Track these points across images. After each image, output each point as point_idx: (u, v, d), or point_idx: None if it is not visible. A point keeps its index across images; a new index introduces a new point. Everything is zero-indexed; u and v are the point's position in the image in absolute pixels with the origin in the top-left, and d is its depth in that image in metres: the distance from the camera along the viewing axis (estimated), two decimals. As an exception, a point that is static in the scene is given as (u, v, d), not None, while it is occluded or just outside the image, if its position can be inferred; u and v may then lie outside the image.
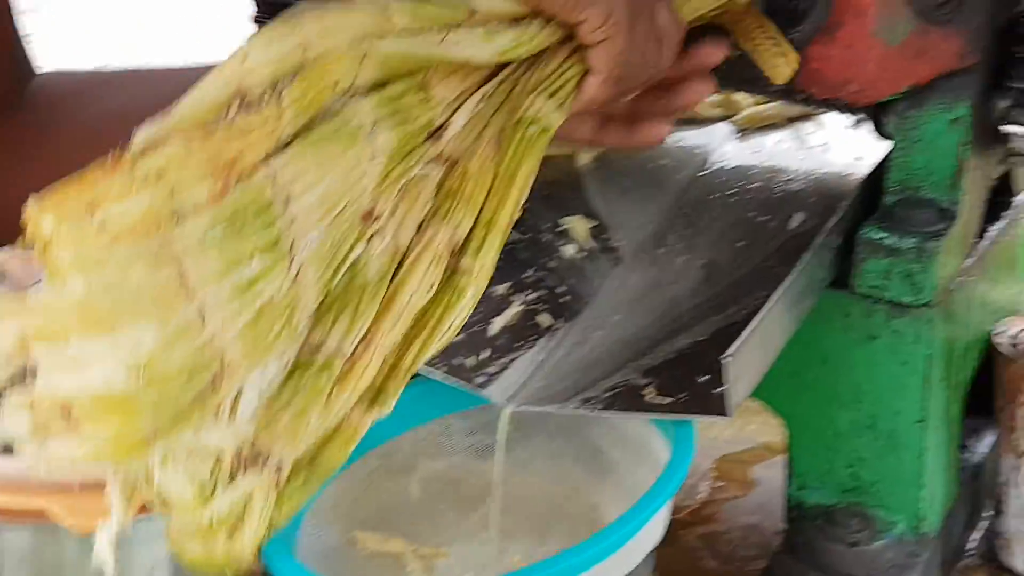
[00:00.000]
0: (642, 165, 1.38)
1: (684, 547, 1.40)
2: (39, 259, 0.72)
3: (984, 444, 1.41)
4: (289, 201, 0.79)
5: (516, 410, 1.17)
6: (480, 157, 0.93)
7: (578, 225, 1.31)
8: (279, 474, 0.79)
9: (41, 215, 0.71)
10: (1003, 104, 1.26)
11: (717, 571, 1.38)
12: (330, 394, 0.82)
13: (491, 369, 1.20)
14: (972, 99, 1.24)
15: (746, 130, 1.43)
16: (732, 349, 1.13)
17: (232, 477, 0.78)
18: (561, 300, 1.26)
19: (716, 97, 1.44)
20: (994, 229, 1.37)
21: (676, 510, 1.45)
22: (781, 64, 1.20)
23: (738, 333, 1.14)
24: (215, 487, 0.77)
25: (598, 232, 1.31)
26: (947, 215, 1.25)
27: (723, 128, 1.44)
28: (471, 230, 0.90)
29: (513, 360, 1.21)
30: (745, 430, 1.56)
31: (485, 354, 1.22)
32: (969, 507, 1.39)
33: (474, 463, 1.25)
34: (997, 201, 1.39)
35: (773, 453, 1.51)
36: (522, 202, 0.93)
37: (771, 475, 1.47)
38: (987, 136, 1.28)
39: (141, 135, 0.76)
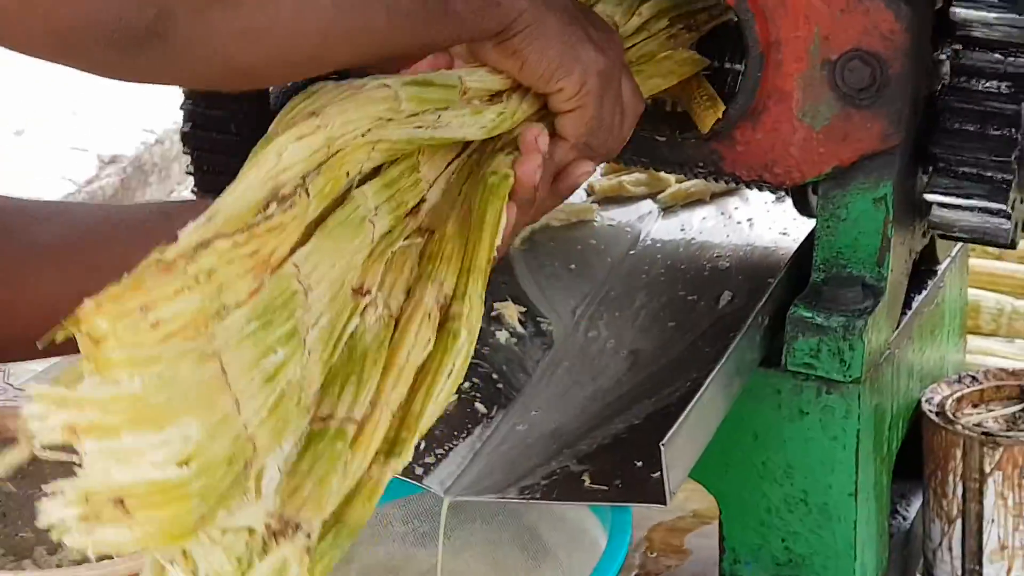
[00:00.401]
0: (571, 246, 1.41)
1: (623, 621, 1.42)
2: (88, 357, 0.74)
3: (913, 509, 1.44)
4: (308, 291, 0.84)
5: (451, 498, 1.18)
6: (455, 219, 0.99)
7: (509, 310, 1.32)
8: (309, 539, 0.83)
9: (95, 315, 0.74)
10: (925, 181, 1.30)
11: (655, 644, 1.40)
12: (347, 458, 0.86)
13: (429, 459, 1.22)
14: (895, 178, 1.27)
15: (672, 207, 1.46)
16: (668, 436, 1.15)
17: (266, 548, 0.81)
18: (495, 387, 1.27)
19: (641, 175, 1.46)
20: (920, 299, 1.40)
21: (613, 584, 1.47)
22: (710, 115, 1.26)
23: (673, 418, 1.17)
24: (251, 559, 0.81)
25: (529, 317, 1.33)
26: (874, 292, 1.28)
27: (649, 206, 1.46)
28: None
29: (450, 449, 1.23)
30: (677, 499, 1.58)
31: (422, 444, 1.22)
32: (900, 572, 1.42)
33: (412, 550, 1.26)
34: (922, 270, 1.43)
35: (707, 521, 1.52)
36: (495, 243, 0.98)
37: (705, 543, 1.48)
38: (910, 212, 1.31)
39: (187, 235, 0.79)
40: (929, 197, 1.30)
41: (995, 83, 1.27)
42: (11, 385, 1.28)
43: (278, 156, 0.88)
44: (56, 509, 0.76)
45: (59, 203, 1.18)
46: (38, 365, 1.57)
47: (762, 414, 1.29)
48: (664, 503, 1.15)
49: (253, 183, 0.86)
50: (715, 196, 1.46)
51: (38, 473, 1.25)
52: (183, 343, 0.77)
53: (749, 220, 1.44)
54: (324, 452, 0.86)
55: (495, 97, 1.05)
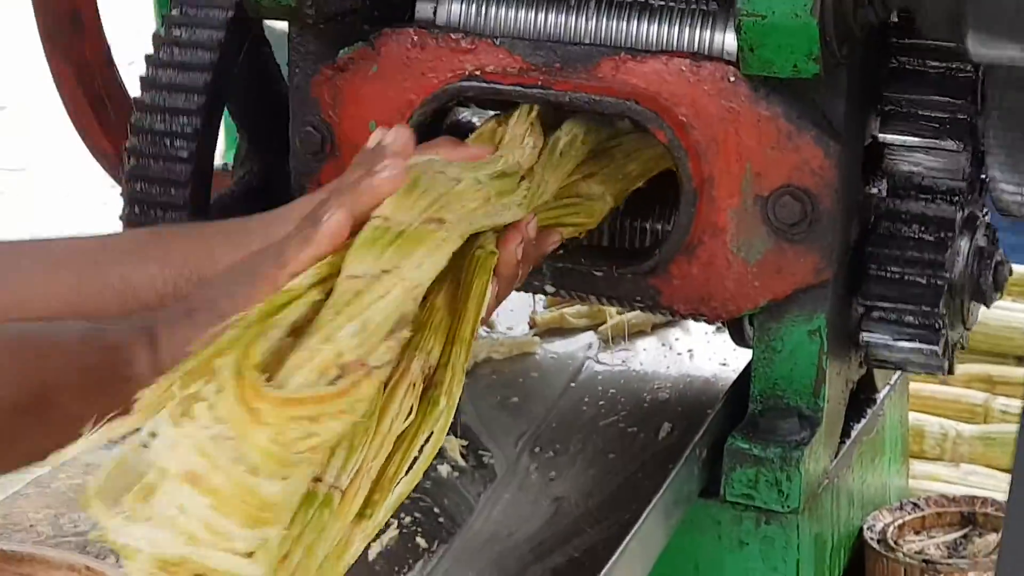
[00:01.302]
0: (514, 379, 1.43)
1: None
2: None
3: (859, 637, 1.46)
4: None
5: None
6: (444, 292, 1.02)
7: (451, 444, 1.34)
8: None
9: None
10: (859, 311, 1.33)
11: None
12: (331, 525, 0.90)
13: (370, 596, 1.23)
14: (829, 311, 1.30)
15: (613, 339, 1.48)
16: (605, 570, 1.16)
17: None
18: (437, 521, 1.28)
19: (583, 308, 1.49)
20: (859, 426, 1.42)
21: None
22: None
23: (612, 550, 1.18)
24: None
25: (471, 450, 1.35)
26: (811, 422, 1.31)
27: (591, 338, 1.49)
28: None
29: (392, 585, 1.24)
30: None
31: (363, 580, 1.24)
32: None
33: None
34: (861, 398, 1.45)
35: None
36: (480, 316, 1.02)
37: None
38: (845, 343, 1.34)
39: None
40: (863, 334, 1.33)
41: (922, 218, 1.30)
42: None
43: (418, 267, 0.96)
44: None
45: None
46: None
47: (703, 545, 1.31)
48: (602, 638, 1.17)
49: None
50: (656, 327, 1.48)
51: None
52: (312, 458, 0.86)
53: (689, 351, 1.46)
54: (313, 520, 0.89)
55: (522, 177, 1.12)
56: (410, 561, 1.26)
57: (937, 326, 1.30)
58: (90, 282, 1.22)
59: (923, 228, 1.31)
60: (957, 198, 1.30)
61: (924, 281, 1.30)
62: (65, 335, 1.10)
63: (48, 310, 1.22)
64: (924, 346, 1.31)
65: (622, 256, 1.32)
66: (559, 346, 1.48)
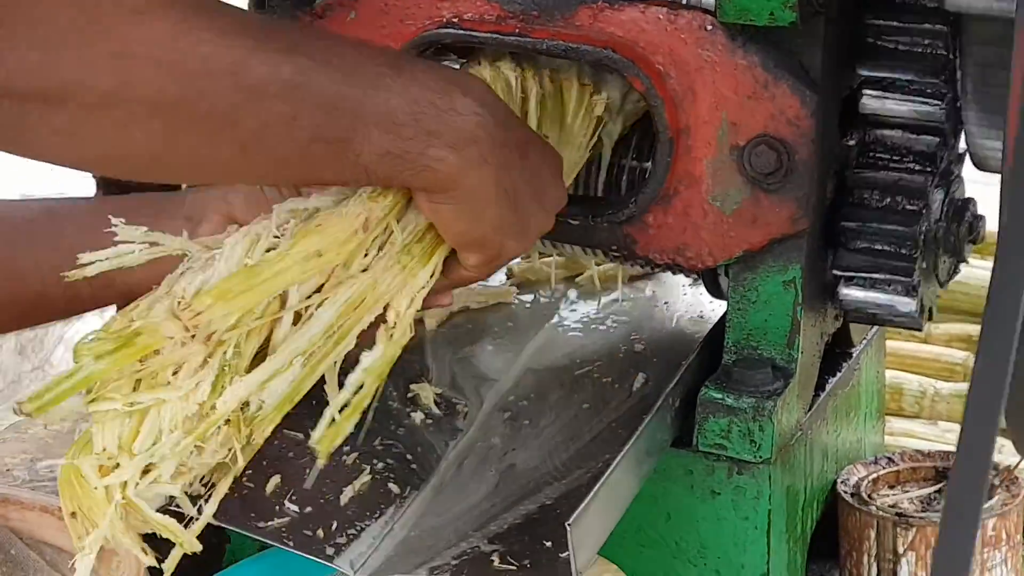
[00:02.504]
0: (488, 329, 1.43)
1: None
2: None
3: (831, 590, 1.46)
4: None
5: (363, 579, 1.20)
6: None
7: (425, 391, 1.34)
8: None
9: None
10: (835, 264, 1.33)
11: None
12: None
13: (340, 539, 1.23)
14: (804, 261, 1.30)
15: (589, 290, 1.48)
16: (575, 515, 1.17)
17: None
18: (409, 468, 1.29)
19: (560, 259, 1.49)
20: (834, 381, 1.43)
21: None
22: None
23: (583, 498, 1.19)
24: None
25: (444, 398, 1.35)
26: (784, 374, 1.31)
27: (567, 289, 1.48)
28: None
29: (362, 530, 1.24)
30: (601, 580, 1.59)
31: (334, 524, 1.24)
32: (818, 654, 1.44)
33: (327, 633, 1.26)
34: (836, 352, 1.45)
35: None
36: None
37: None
38: (821, 295, 1.34)
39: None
40: (838, 287, 1.33)
41: (898, 168, 1.30)
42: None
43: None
44: None
45: None
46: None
47: (675, 494, 1.31)
48: (571, 582, 1.17)
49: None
50: (632, 279, 1.48)
51: None
52: None
53: (665, 303, 1.46)
54: None
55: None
56: (382, 506, 1.26)
57: (911, 281, 1.30)
58: None
59: (898, 182, 1.31)
60: (933, 152, 1.30)
61: (898, 236, 1.30)
62: None
63: None
64: (898, 300, 1.32)
65: (597, 205, 1.32)
66: (535, 297, 1.48)
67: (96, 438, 1.01)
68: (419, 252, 1.09)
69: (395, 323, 1.07)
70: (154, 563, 1.05)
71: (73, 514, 1.01)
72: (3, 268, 1.21)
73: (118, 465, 1.01)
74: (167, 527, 1.04)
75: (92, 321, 2.36)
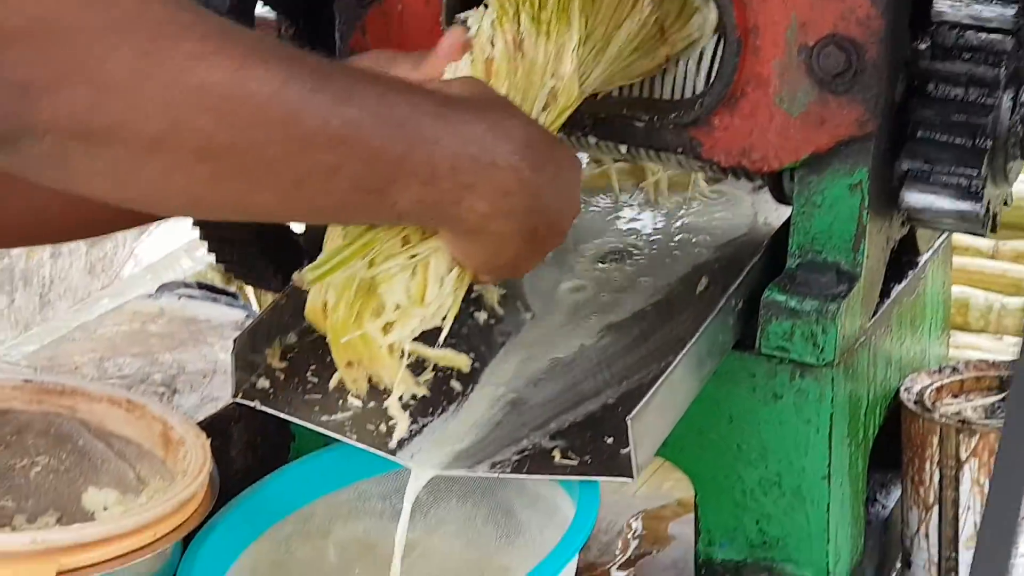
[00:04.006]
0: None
1: (600, 604, 1.44)
2: None
3: (893, 498, 1.45)
4: None
5: (425, 473, 1.20)
6: None
7: (489, 291, 1.34)
8: None
9: None
10: (902, 168, 1.31)
11: (632, 625, 1.42)
12: None
13: (403, 435, 1.23)
14: (871, 164, 1.28)
15: (654, 196, 1.48)
16: (635, 411, 1.17)
17: None
18: (472, 366, 1.28)
19: (625, 165, 1.48)
20: (899, 288, 1.42)
21: (592, 567, 1.48)
22: None
23: (643, 396, 1.18)
24: None
25: (508, 299, 1.35)
26: (848, 277, 1.30)
27: (632, 194, 1.48)
28: None
29: (424, 425, 1.24)
30: (662, 487, 1.60)
31: (395, 420, 1.24)
32: (878, 560, 1.43)
33: (389, 527, 1.27)
34: (903, 260, 1.44)
35: (690, 509, 1.53)
36: None
37: (687, 531, 1.48)
38: (887, 199, 1.32)
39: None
40: (904, 191, 1.31)
41: (968, 63, 1.28)
42: (-2, 358, 1.31)
43: None
44: None
45: None
46: (30, 344, 1.60)
47: (737, 397, 1.31)
48: (631, 477, 1.17)
49: None
50: (696, 185, 1.47)
51: (20, 443, 1.28)
52: None
53: (729, 208, 1.46)
54: None
55: None
56: (444, 403, 1.26)
57: (978, 185, 1.29)
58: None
59: (969, 76, 1.29)
60: (1003, 53, 1.28)
61: (966, 139, 1.28)
62: None
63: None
64: (963, 203, 1.30)
65: (663, 107, 1.31)
66: (599, 201, 1.47)
67: (387, 297, 1.13)
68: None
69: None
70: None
71: (349, 363, 1.17)
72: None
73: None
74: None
75: (160, 236, 2.39)
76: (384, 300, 1.14)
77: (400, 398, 1.25)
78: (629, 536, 1.53)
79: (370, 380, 1.19)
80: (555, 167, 1.13)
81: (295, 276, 1.12)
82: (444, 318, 1.16)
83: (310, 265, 1.11)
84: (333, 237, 1.15)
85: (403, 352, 1.16)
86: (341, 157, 1.01)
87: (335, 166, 1.01)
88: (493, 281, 1.21)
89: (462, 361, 1.24)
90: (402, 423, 1.23)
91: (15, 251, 2.67)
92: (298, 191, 1.01)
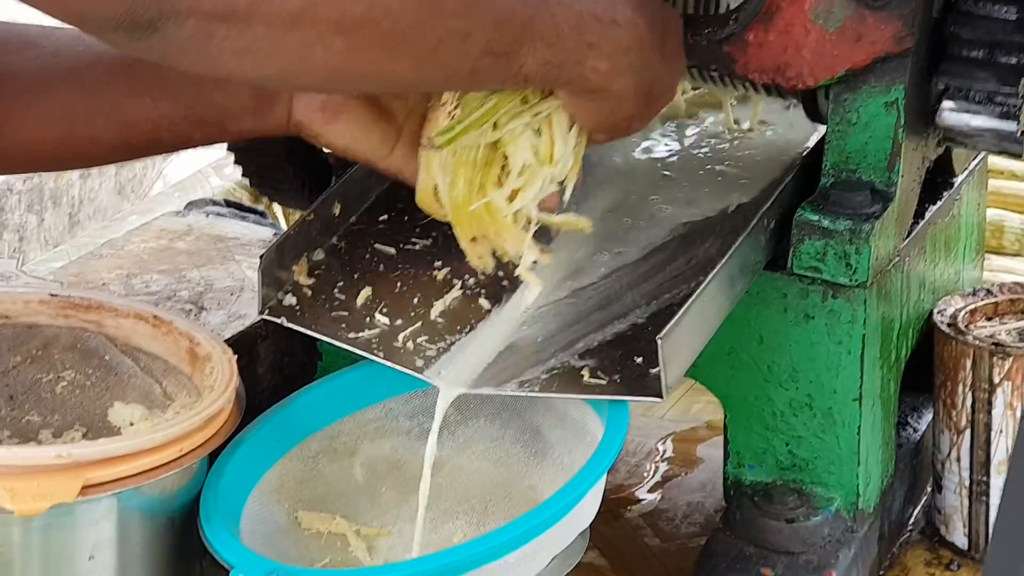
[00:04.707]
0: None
1: (627, 525, 1.43)
2: None
3: (924, 421, 1.44)
4: None
5: (452, 392, 1.19)
6: None
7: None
8: None
9: None
10: (939, 87, 1.29)
11: (659, 548, 1.40)
12: None
13: (430, 352, 1.23)
14: (907, 82, 1.26)
15: (686, 114, 1.45)
16: (665, 330, 1.15)
17: None
18: (500, 285, 1.27)
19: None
20: (934, 209, 1.39)
21: (620, 489, 1.48)
22: None
23: (673, 315, 1.17)
24: None
25: (540, 219, 1.33)
26: (882, 197, 1.28)
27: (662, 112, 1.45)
28: None
29: (452, 344, 1.23)
30: (692, 410, 1.59)
31: (424, 338, 1.24)
32: (909, 483, 1.42)
33: (416, 445, 1.26)
34: (938, 181, 1.42)
35: (719, 432, 1.53)
36: None
37: (716, 454, 1.48)
38: (923, 118, 1.30)
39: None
40: (941, 110, 1.29)
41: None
42: (24, 272, 1.30)
43: None
44: None
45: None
46: (57, 261, 1.59)
47: (768, 317, 1.29)
48: (661, 397, 1.16)
49: None
50: (728, 103, 1.45)
51: (46, 358, 1.27)
52: None
53: (761, 127, 1.43)
54: None
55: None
56: (472, 321, 1.25)
57: (1016, 105, 1.26)
58: (81, 107, 1.21)
59: (1006, 2, 1.26)
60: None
61: (1003, 59, 1.26)
62: None
63: (40, 140, 1.22)
64: (1002, 125, 1.28)
65: (696, 23, 1.29)
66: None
67: (513, 157, 1.16)
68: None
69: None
70: (548, 259, 1.23)
71: (473, 239, 1.19)
72: (112, 115, 1.21)
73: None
74: (572, 222, 1.23)
75: (189, 157, 2.37)
76: (511, 161, 1.16)
77: (430, 314, 1.25)
78: (658, 459, 1.53)
79: (494, 253, 1.21)
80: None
81: (423, 140, 1.16)
82: (565, 180, 1.19)
83: (438, 130, 1.14)
84: (438, 118, 1.16)
85: (528, 220, 1.18)
86: (472, 23, 1.05)
87: (466, 32, 1.05)
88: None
89: (584, 223, 1.23)
90: (534, 287, 1.24)
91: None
92: (432, 58, 1.05)
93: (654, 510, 1.45)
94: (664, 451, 1.53)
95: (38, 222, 2.74)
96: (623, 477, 1.49)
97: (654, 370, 1.16)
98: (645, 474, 1.50)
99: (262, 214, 1.65)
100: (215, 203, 1.64)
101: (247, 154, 1.41)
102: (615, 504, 1.45)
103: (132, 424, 1.23)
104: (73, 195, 2.78)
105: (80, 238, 1.79)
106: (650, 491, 1.48)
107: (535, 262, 1.22)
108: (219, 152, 1.52)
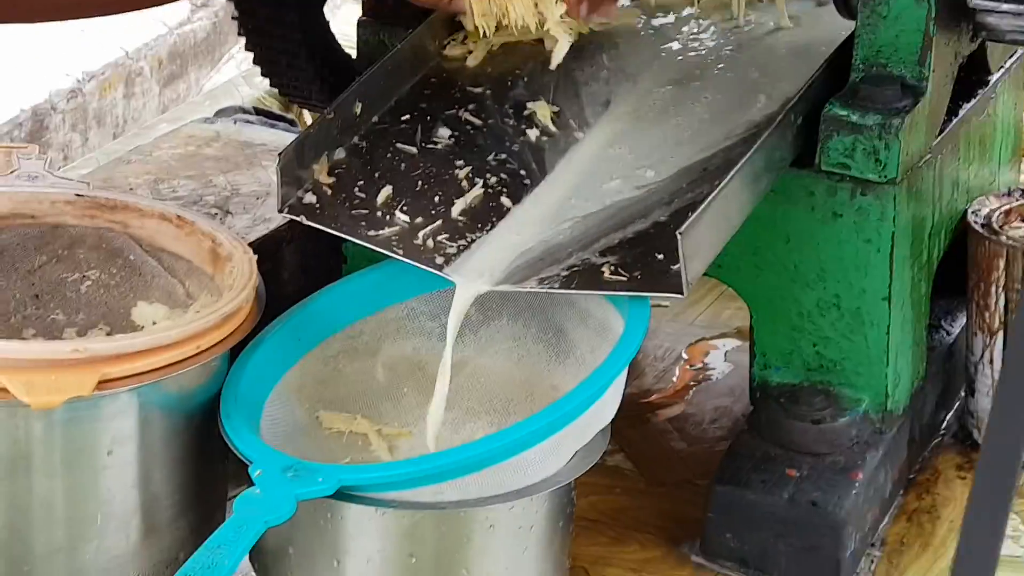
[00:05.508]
0: (611, 50, 1.38)
1: (654, 430, 1.42)
2: None
3: (958, 325, 1.42)
4: None
5: (472, 289, 1.18)
6: None
7: (542, 109, 1.31)
8: None
9: None
10: (971, -23, 1.26)
11: (685, 452, 1.39)
12: None
13: (450, 250, 1.21)
14: (939, -28, 1.23)
15: (713, 13, 1.43)
16: (686, 225, 1.13)
17: None
18: (522, 183, 1.26)
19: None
20: (968, 107, 1.37)
21: (647, 393, 1.47)
22: None
23: (694, 211, 1.15)
24: None
25: (562, 116, 1.31)
26: (913, 92, 1.25)
27: (691, 11, 1.43)
28: None
29: (472, 242, 1.22)
30: (722, 316, 1.57)
31: (445, 236, 1.22)
32: (941, 387, 1.40)
33: (438, 346, 1.24)
34: (972, 79, 1.39)
35: (747, 338, 1.51)
36: None
37: (745, 360, 1.45)
38: (956, 11, 1.27)
39: None
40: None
41: None
42: (51, 172, 1.29)
43: None
44: None
45: None
46: (86, 167, 1.59)
47: (795, 216, 1.27)
48: (681, 293, 1.14)
49: None
50: (757, 2, 1.42)
51: (71, 257, 1.27)
52: None
53: (790, 25, 1.41)
54: None
55: None
56: (493, 219, 1.24)
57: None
58: None
59: None
60: None
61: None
62: None
63: None
64: (1036, 15, 1.25)
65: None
66: (659, 19, 1.42)
67: None
68: None
69: None
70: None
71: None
72: None
73: None
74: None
75: (227, 72, 2.35)
76: None
77: (451, 213, 1.23)
78: (686, 364, 1.51)
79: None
80: None
81: None
82: None
83: None
84: None
85: None
86: None
87: None
88: None
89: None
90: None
91: (88, 89, 2.67)
92: None
93: (681, 414, 1.44)
94: (691, 356, 1.52)
95: (82, 141, 2.74)
96: (651, 382, 1.48)
97: (675, 266, 1.14)
98: (674, 379, 1.49)
99: (291, 122, 1.63)
100: (244, 111, 1.63)
101: (266, 52, 1.40)
102: (642, 409, 1.44)
103: (155, 324, 1.22)
104: (117, 114, 2.78)
105: (109, 145, 1.79)
106: (677, 395, 1.47)
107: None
108: (249, 62, 1.51)
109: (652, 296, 1.16)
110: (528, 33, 1.31)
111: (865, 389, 1.28)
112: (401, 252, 1.21)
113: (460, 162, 1.28)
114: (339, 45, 1.42)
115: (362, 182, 1.26)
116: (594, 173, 1.28)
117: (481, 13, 1.17)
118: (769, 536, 1.24)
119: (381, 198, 1.25)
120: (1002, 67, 1.41)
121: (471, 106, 1.31)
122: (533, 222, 1.24)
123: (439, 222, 1.24)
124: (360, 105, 1.30)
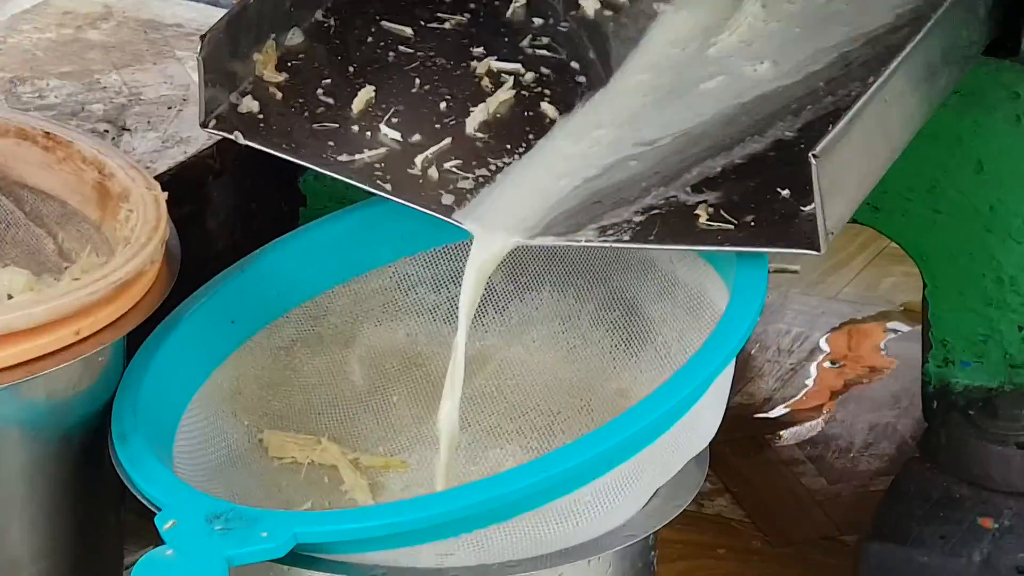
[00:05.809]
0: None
1: (775, 459, 1.45)
2: None
3: None
4: None
5: (497, 243, 1.19)
6: None
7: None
8: None
9: None
10: None
11: (823, 494, 1.42)
12: None
13: (464, 184, 1.23)
14: None
15: None
16: (822, 144, 1.14)
17: None
18: (573, 80, 1.29)
19: None
20: None
21: (766, 404, 1.50)
22: None
23: (835, 123, 1.16)
24: None
25: None
26: None
27: None
28: None
29: (498, 171, 1.24)
30: (880, 285, 1.60)
31: (456, 162, 1.24)
32: None
33: (444, 331, 1.27)
34: None
35: (918, 320, 1.53)
36: None
37: (913, 352, 1.48)
38: None
39: None
40: None
41: None
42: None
43: None
44: None
45: None
46: None
47: (991, 129, 1.31)
48: (818, 249, 1.14)
49: None
50: None
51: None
52: None
53: None
54: None
55: None
56: (529, 137, 1.26)
57: None
58: None
59: None
60: None
61: None
62: None
63: None
64: None
65: None
66: None
67: None
68: None
69: None
70: None
71: None
72: None
73: None
74: None
75: None
76: None
77: (466, 127, 1.26)
78: (826, 359, 1.54)
79: None
80: None
81: None
82: None
83: None
84: None
85: None
86: None
87: None
88: None
89: None
90: None
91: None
92: None
93: (818, 436, 1.47)
94: (835, 349, 1.55)
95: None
96: (772, 386, 1.51)
97: (807, 207, 1.15)
98: (807, 383, 1.52)
99: (220, -9, 1.66)
100: (147, -26, 1.65)
101: None
102: (758, 428, 1.48)
103: (10, 297, 1.23)
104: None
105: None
106: (812, 409, 1.50)
107: None
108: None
109: (772, 253, 1.17)
110: None
111: (1098, 396, 1.31)
112: (389, 187, 1.23)
113: (479, 49, 1.31)
114: None
115: (329, 80, 1.29)
116: (682, 65, 1.30)
117: None
118: (953, 620, 1.27)
119: (358, 104, 1.27)
120: None
121: (495, -39, 1.33)
122: (587, 141, 1.25)
123: (447, 140, 1.25)
124: (326, -37, 1.33)
